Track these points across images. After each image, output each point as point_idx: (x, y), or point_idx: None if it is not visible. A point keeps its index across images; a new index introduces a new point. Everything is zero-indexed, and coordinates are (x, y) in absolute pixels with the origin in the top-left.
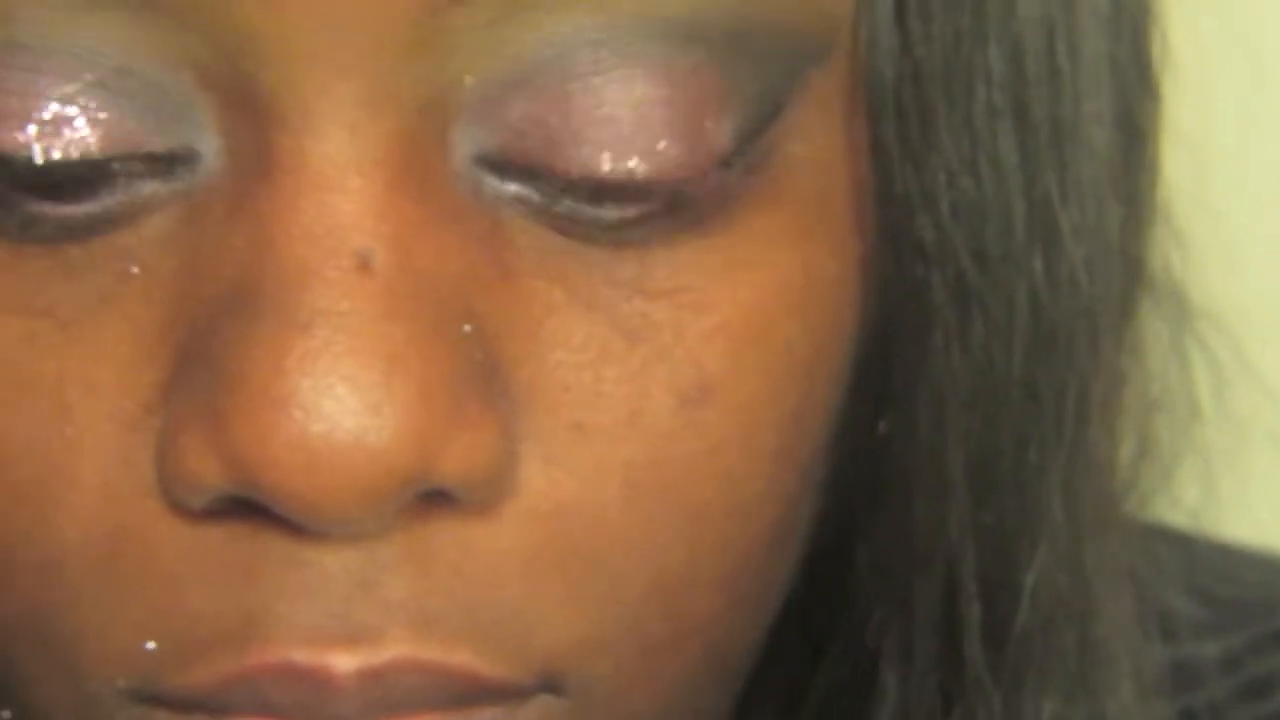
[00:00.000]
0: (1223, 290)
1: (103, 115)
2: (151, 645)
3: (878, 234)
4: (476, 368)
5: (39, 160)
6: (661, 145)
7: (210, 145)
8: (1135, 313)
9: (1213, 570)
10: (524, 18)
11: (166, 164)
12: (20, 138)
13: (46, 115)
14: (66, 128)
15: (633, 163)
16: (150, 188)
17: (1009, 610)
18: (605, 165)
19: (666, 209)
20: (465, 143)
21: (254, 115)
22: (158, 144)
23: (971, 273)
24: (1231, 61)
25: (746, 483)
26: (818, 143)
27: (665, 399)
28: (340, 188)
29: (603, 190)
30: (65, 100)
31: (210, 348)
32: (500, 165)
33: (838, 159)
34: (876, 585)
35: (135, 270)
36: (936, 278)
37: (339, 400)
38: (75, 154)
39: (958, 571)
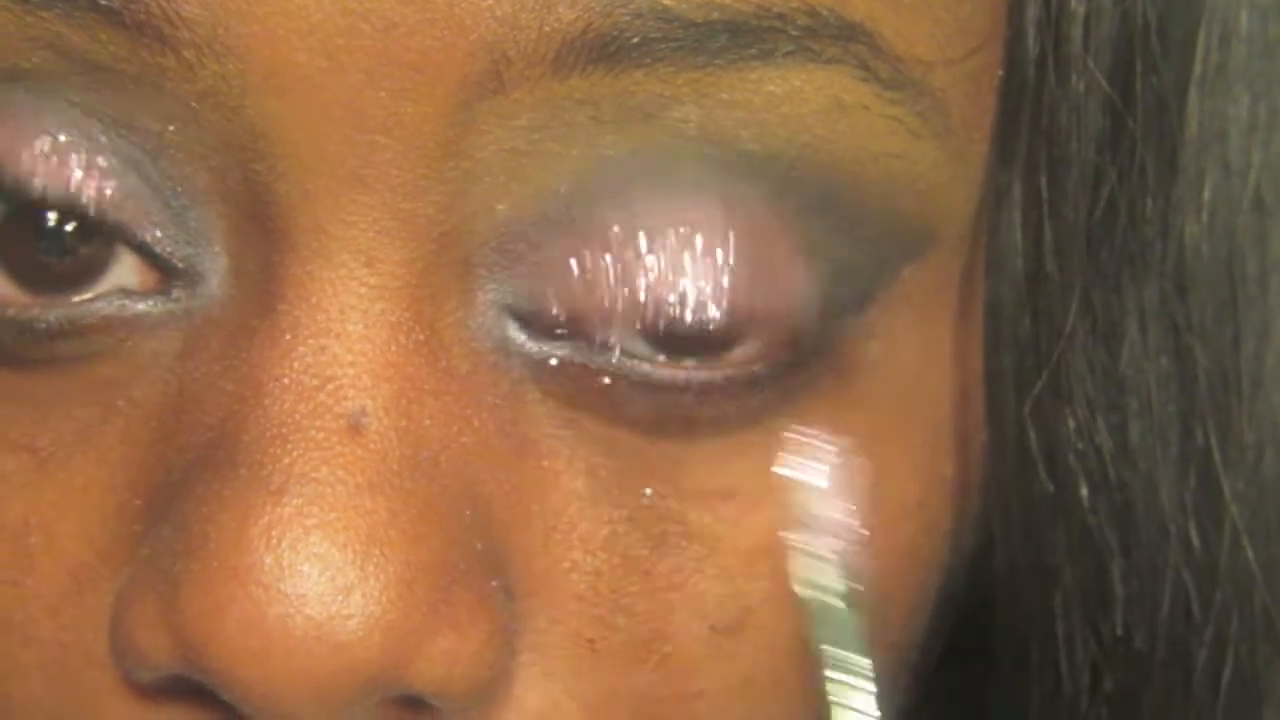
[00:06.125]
0: None
1: (109, 180)
2: None
3: (990, 456)
4: (474, 558)
5: (37, 192)
6: (727, 283)
7: (217, 265)
8: None
9: None
10: (567, 132)
11: (166, 277)
12: (17, 167)
13: (47, 146)
14: (67, 166)
15: (697, 311)
16: (145, 306)
17: None
18: (665, 317)
19: (725, 388)
20: (490, 287)
21: (265, 233)
22: (162, 242)
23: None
24: None
25: None
26: (903, 345)
27: (692, 623)
28: (342, 333)
29: (664, 342)
30: (69, 140)
31: (179, 504)
32: (529, 318)
33: (931, 366)
34: None
35: (121, 404)
36: (1062, 536)
37: (303, 580)
38: (73, 193)
39: None
